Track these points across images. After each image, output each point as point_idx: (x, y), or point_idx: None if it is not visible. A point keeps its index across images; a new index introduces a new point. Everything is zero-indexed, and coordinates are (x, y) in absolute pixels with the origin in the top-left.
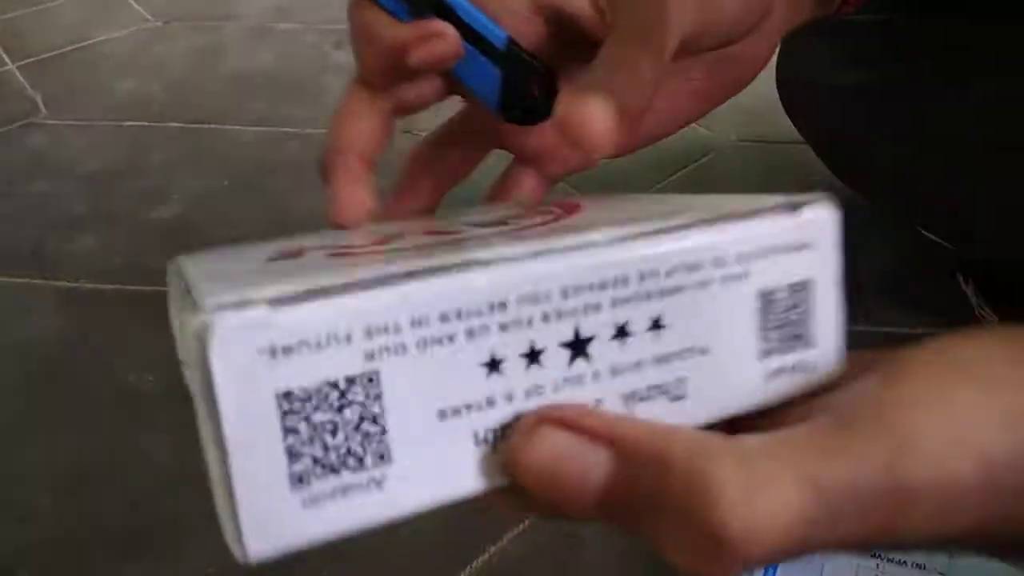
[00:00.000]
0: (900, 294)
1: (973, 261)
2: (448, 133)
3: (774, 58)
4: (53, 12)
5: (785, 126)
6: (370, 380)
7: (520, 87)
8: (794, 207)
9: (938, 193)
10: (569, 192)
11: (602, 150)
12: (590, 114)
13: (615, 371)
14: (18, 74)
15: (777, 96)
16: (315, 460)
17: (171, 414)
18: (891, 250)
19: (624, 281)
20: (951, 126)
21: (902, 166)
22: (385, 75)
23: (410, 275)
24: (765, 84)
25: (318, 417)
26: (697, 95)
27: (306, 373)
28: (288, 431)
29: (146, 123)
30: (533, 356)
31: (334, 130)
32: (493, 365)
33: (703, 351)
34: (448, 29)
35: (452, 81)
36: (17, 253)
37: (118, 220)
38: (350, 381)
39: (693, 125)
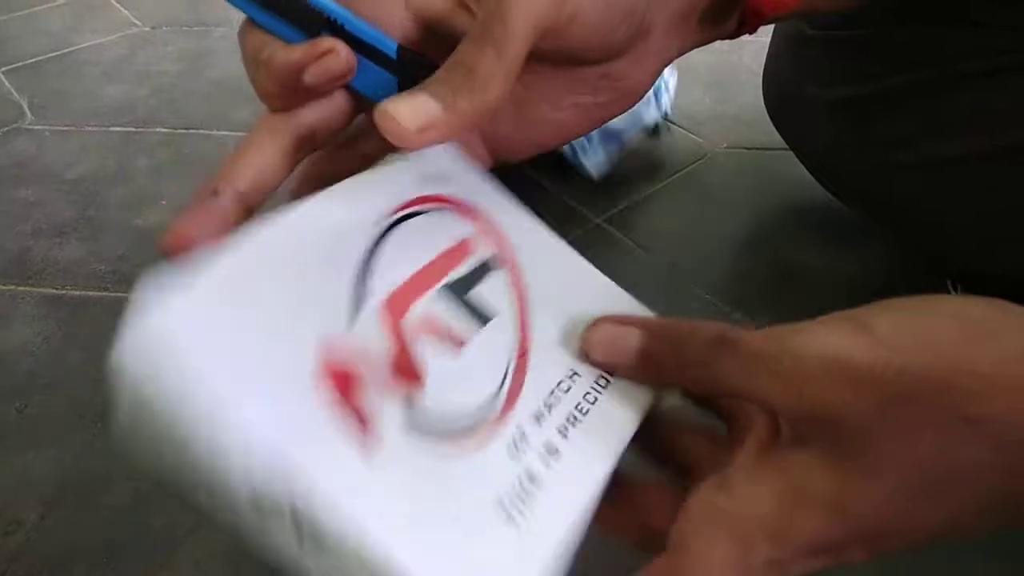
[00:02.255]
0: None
1: (964, 269)
2: (344, 141)
3: (761, 70)
4: (39, 17)
5: (775, 134)
6: None
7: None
8: None
9: (921, 205)
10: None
11: (405, 143)
12: (396, 111)
13: None
14: (4, 79)
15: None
16: None
17: None
18: (883, 256)
19: None
20: (935, 137)
21: (885, 178)
22: (283, 98)
23: None
24: (753, 94)
25: None
26: (582, 110)
27: None
28: None
29: (133, 128)
30: None
31: (228, 159)
32: None
33: None
34: (339, 45)
35: (356, 100)
36: (1, 260)
37: (104, 226)
38: None
39: (683, 131)
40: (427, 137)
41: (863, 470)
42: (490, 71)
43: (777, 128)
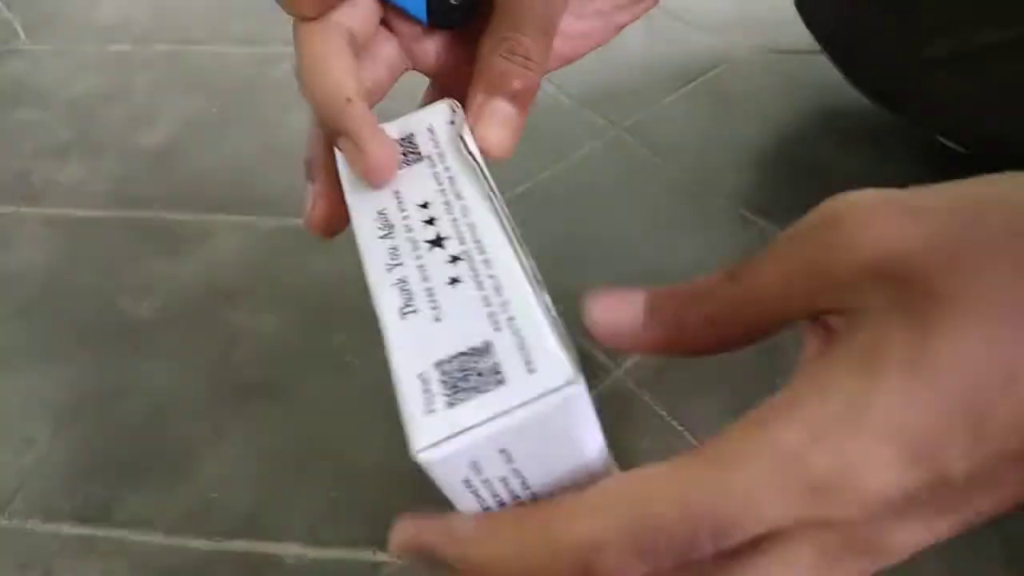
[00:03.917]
0: None
1: (996, 169)
2: (362, 57)
3: None
4: None
5: (800, 36)
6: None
7: None
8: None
9: (955, 99)
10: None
11: (504, 156)
12: (493, 135)
13: None
14: None
15: (791, 5)
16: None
17: (167, 339)
18: (913, 160)
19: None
20: (969, 27)
21: (920, 71)
22: (316, 4)
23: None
24: None
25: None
26: (603, 17)
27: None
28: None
29: (130, 47)
30: None
31: (321, 79)
32: None
33: None
34: None
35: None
36: (1, 182)
37: (104, 146)
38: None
39: (704, 36)
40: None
41: (945, 317)
42: (542, 55)
43: (806, 23)
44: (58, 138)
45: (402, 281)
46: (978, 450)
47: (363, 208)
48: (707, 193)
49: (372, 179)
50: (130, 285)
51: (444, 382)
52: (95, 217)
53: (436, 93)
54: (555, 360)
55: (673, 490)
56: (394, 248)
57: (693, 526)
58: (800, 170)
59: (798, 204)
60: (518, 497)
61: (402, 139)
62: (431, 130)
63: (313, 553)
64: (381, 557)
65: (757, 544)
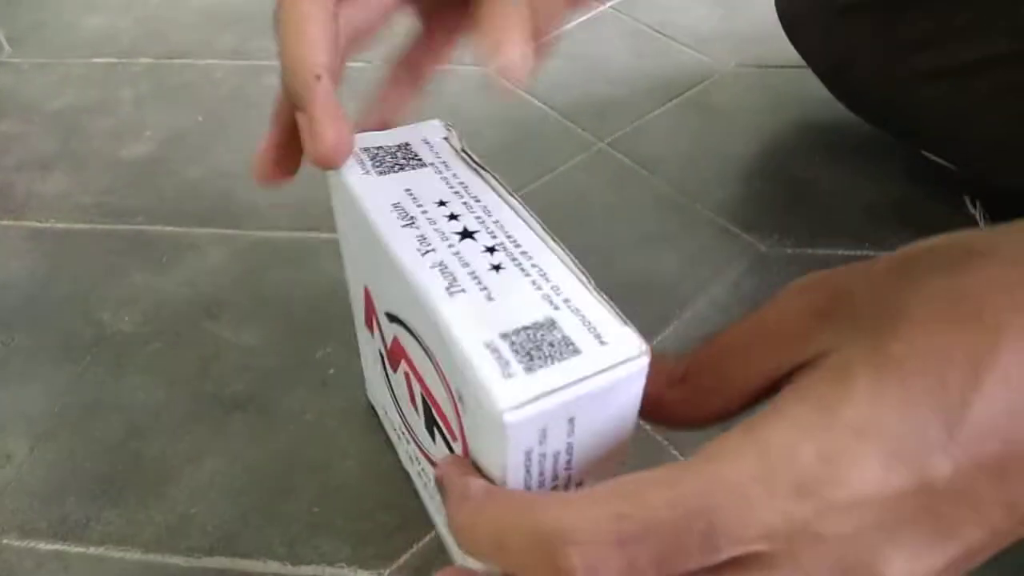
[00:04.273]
0: (907, 219)
1: (980, 183)
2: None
3: None
4: None
5: (785, 51)
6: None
7: None
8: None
9: (940, 114)
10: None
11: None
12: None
13: None
14: None
15: (776, 21)
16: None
17: (148, 353)
18: (898, 174)
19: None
20: (956, 40)
21: (904, 87)
22: None
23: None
24: (764, 7)
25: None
26: None
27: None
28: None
29: (115, 59)
30: None
31: (296, 43)
32: None
33: None
34: None
35: None
36: None
37: (89, 158)
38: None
39: (689, 51)
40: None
41: (899, 326)
42: None
43: (791, 39)
44: (42, 150)
45: (441, 265)
46: (955, 449)
47: (375, 200)
48: (692, 206)
49: (319, 163)
50: (111, 298)
51: (516, 351)
52: (78, 230)
53: (424, 39)
54: (624, 334)
55: (664, 486)
56: (422, 236)
57: (682, 518)
58: (785, 184)
59: (782, 218)
60: (556, 480)
61: (398, 146)
62: (427, 142)
63: (293, 570)
64: (362, 575)
65: (742, 562)
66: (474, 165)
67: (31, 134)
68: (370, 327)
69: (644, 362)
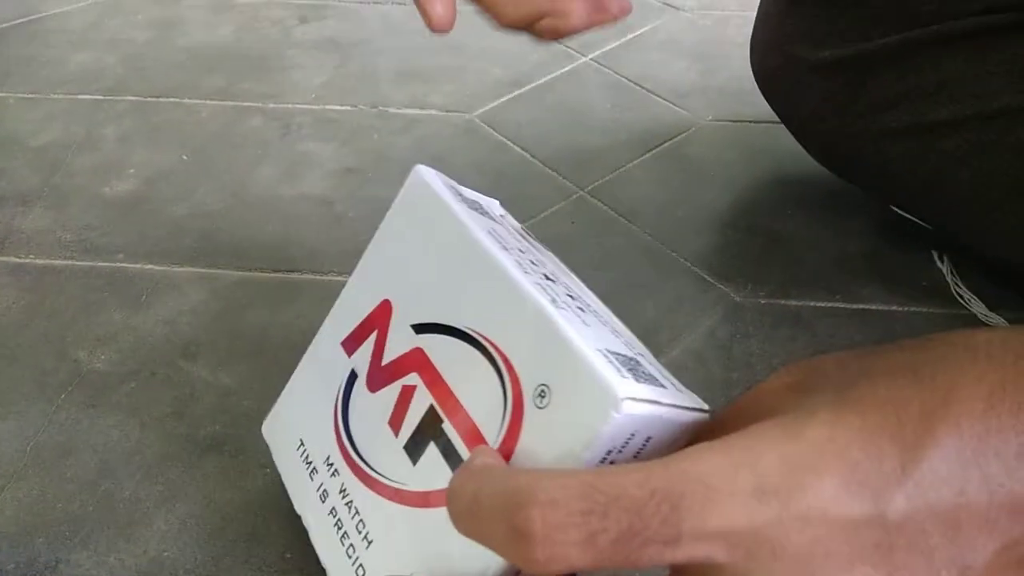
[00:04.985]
0: (877, 272)
1: (948, 239)
2: None
3: (745, 43)
4: None
5: (760, 106)
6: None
7: None
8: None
9: (907, 172)
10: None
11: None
12: None
13: None
14: None
15: (751, 77)
16: None
17: (123, 394)
18: (868, 228)
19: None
20: (926, 101)
21: (873, 144)
22: None
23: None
24: (738, 67)
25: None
26: None
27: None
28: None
29: (100, 96)
30: None
31: None
32: None
33: None
34: None
35: None
36: None
37: (71, 194)
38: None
39: (668, 104)
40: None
41: (860, 381)
42: None
43: (765, 95)
44: (24, 186)
45: (540, 287)
46: (910, 488)
47: (471, 221)
48: (669, 255)
49: (435, 30)
50: (88, 336)
51: (621, 365)
52: (57, 266)
53: None
54: (690, 393)
55: (636, 471)
56: (518, 262)
57: (648, 496)
58: (759, 235)
59: (756, 269)
60: None
61: (472, 200)
62: (490, 208)
63: None
64: None
65: (699, 571)
66: (532, 238)
67: (14, 169)
68: (356, 343)
69: (706, 417)
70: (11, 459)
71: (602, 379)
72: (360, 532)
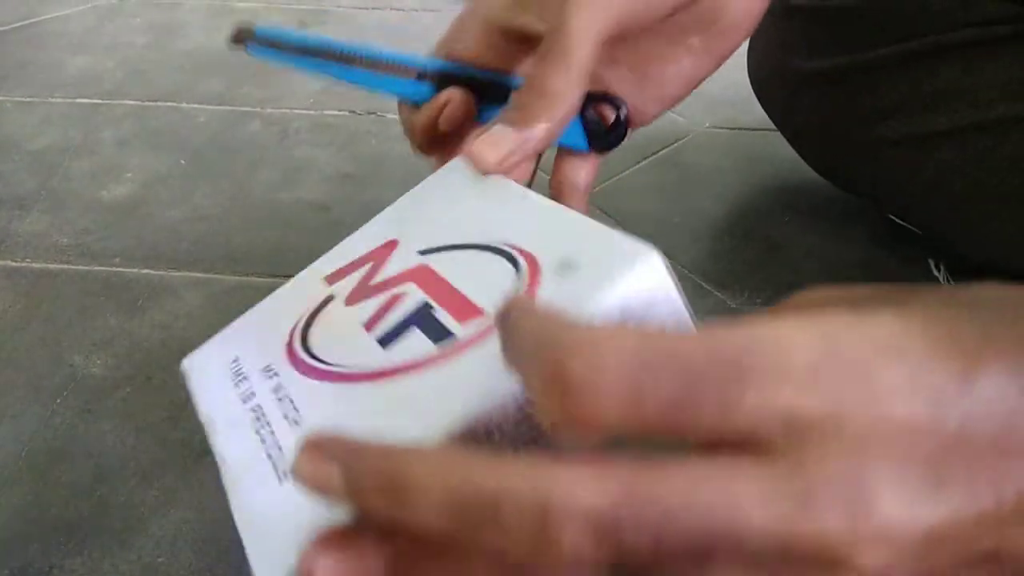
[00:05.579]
0: (874, 279)
1: (944, 247)
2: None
3: (745, 46)
4: None
5: (757, 114)
6: None
7: (597, 124)
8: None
9: (904, 181)
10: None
11: (491, 170)
12: (478, 150)
13: None
14: None
15: (748, 84)
16: None
17: (119, 399)
18: (865, 236)
19: None
20: (922, 110)
21: (869, 153)
22: (433, 146)
23: None
24: (737, 72)
25: None
26: (695, 53)
27: None
28: None
29: (99, 100)
30: None
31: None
32: None
33: None
34: (455, 93)
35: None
36: None
37: (68, 198)
38: None
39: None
40: (508, 164)
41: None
42: (558, 86)
43: (762, 103)
44: (21, 189)
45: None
46: (969, 398)
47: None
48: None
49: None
50: (84, 341)
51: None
52: (53, 270)
53: None
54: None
55: (704, 333)
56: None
57: (713, 361)
58: (756, 243)
59: (752, 276)
60: None
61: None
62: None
63: None
64: None
65: (746, 446)
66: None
67: (11, 172)
68: (342, 276)
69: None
70: (5, 464)
71: (632, 242)
72: (287, 418)
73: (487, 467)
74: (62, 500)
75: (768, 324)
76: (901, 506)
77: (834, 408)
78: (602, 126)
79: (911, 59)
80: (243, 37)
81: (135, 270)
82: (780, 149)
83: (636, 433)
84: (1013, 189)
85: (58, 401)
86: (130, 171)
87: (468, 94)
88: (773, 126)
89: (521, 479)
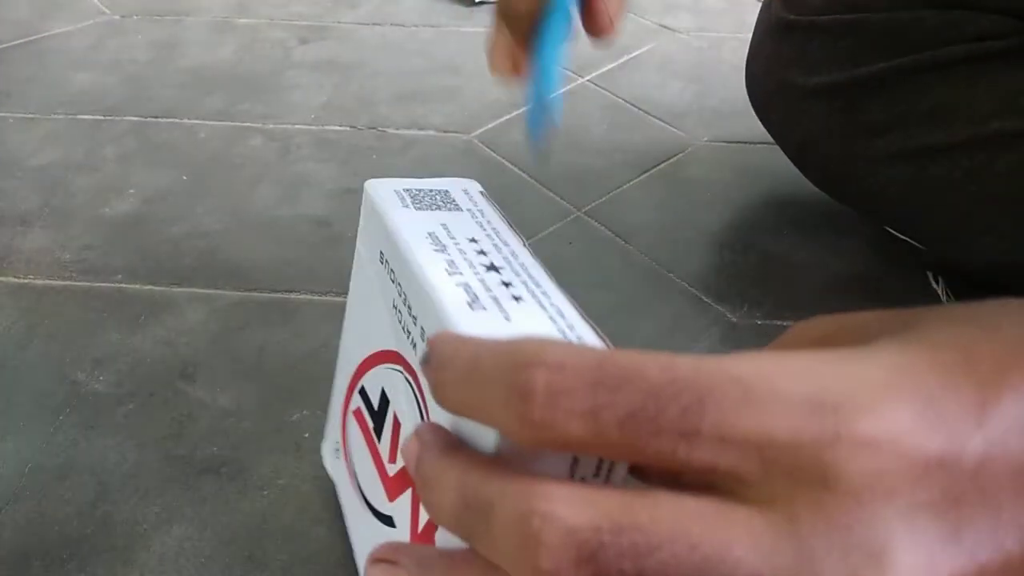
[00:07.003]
0: (873, 292)
1: (943, 260)
2: None
3: (741, 65)
4: (5, 4)
5: (755, 128)
6: None
7: None
8: None
9: (900, 195)
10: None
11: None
12: None
13: None
14: None
15: (747, 99)
16: None
17: (121, 415)
18: (864, 249)
19: None
20: (918, 126)
21: (866, 168)
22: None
23: None
24: (736, 86)
25: None
26: None
27: None
28: None
29: (101, 116)
30: None
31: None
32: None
33: None
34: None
35: None
36: None
37: (70, 215)
38: None
39: (664, 125)
40: None
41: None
42: None
43: (760, 118)
44: (23, 206)
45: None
46: (988, 428)
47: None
48: (666, 275)
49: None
50: (87, 357)
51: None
52: (56, 286)
53: None
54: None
55: (665, 357)
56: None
57: (670, 383)
58: (754, 256)
59: (752, 289)
60: None
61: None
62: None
63: None
64: None
65: (718, 478)
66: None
67: (14, 189)
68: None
69: None
70: (9, 480)
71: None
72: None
73: (488, 472)
74: (65, 517)
75: (739, 358)
76: (917, 559)
77: (825, 441)
78: None
79: (907, 75)
80: None
81: (137, 286)
82: (779, 163)
83: (599, 450)
84: (1010, 202)
85: (60, 418)
86: (132, 187)
87: None
88: (771, 140)
89: (514, 489)
